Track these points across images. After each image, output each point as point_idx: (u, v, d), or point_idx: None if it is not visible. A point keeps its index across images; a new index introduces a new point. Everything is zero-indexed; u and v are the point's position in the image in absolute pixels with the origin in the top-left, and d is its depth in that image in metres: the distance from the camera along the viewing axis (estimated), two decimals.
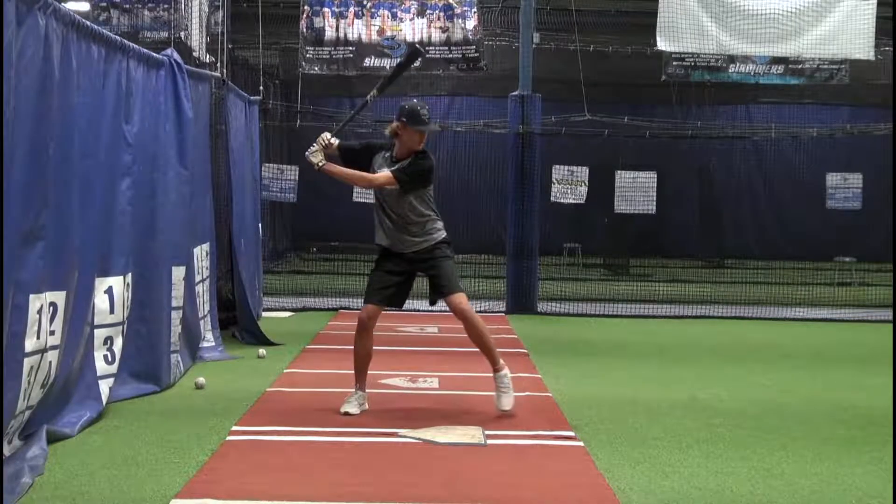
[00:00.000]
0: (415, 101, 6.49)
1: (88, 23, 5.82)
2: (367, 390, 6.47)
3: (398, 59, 13.10)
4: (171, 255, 7.40)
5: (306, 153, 6.30)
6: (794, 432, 6.18)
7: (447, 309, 6.50)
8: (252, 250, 10.74)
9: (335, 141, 6.38)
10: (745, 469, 5.28)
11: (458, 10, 13.38)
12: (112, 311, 6.31)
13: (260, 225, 11.93)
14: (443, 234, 6.41)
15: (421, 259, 6.35)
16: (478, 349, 6.45)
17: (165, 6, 11.60)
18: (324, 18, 13.36)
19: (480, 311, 6.37)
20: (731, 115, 21.53)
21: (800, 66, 14.82)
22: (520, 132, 12.83)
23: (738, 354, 9.74)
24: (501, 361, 6.38)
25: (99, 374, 6.17)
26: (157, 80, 7.22)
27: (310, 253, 20.69)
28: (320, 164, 6.28)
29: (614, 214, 14.58)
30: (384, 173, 6.26)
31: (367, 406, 6.40)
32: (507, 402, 6.28)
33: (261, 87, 13.44)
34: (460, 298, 6.30)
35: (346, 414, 6.24)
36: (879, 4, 12.88)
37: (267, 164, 13.69)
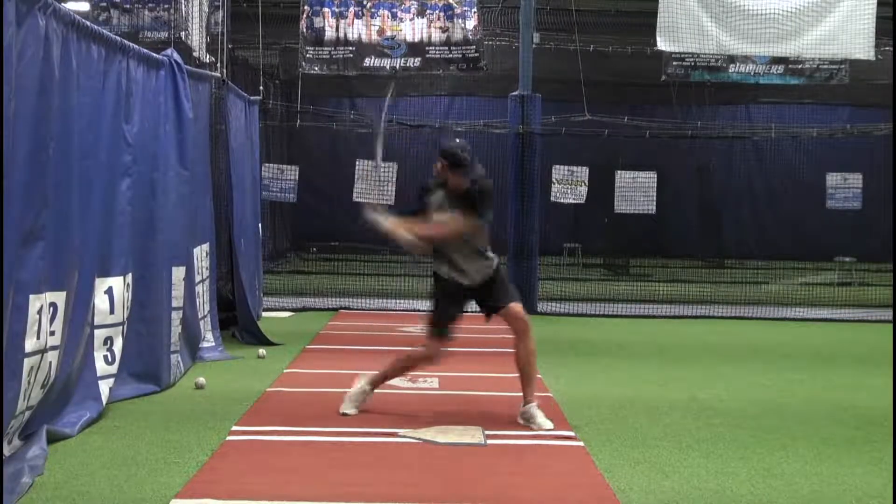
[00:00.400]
0: (457, 141, 6.33)
1: (88, 23, 5.83)
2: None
3: (398, 60, 13.22)
4: (171, 255, 7.40)
5: (379, 223, 6.11)
6: (794, 432, 6.18)
7: None
8: (252, 250, 10.74)
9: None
10: (745, 469, 5.28)
11: (458, 10, 13.37)
12: (112, 311, 6.31)
13: (260, 225, 11.93)
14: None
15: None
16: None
17: (165, 6, 11.59)
18: (324, 18, 13.35)
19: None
20: (731, 115, 21.52)
21: (800, 66, 14.81)
22: (520, 132, 12.83)
23: (738, 354, 9.73)
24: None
25: (99, 374, 6.17)
26: (157, 81, 7.22)
27: (310, 253, 20.70)
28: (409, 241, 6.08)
29: (614, 214, 14.58)
30: (463, 220, 6.07)
31: (367, 402, 6.39)
32: (546, 423, 6.14)
33: (261, 87, 13.45)
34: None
35: (344, 415, 6.24)
36: (879, 4, 12.87)
37: (267, 164, 13.69)
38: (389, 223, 6.14)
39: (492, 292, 6.22)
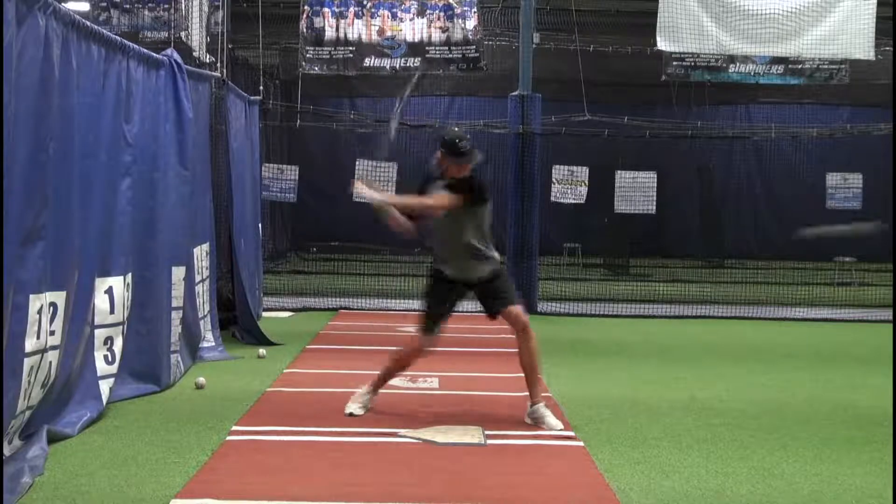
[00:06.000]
0: (455, 130, 6.33)
1: (88, 23, 5.83)
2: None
3: (399, 60, 13.24)
4: (171, 255, 7.40)
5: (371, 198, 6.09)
6: (794, 432, 6.18)
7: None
8: (252, 250, 10.74)
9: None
10: (745, 469, 5.28)
11: (458, 10, 13.37)
12: (112, 311, 6.31)
13: (260, 225, 11.93)
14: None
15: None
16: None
17: (165, 6, 11.59)
18: (324, 18, 13.35)
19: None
20: (731, 115, 21.53)
21: (800, 66, 14.81)
22: (520, 132, 12.84)
23: (738, 354, 9.73)
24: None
25: (99, 374, 6.17)
26: (157, 80, 7.22)
27: (310, 253, 20.70)
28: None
29: (614, 214, 14.58)
30: (442, 195, 6.07)
31: (372, 403, 6.39)
32: (556, 423, 6.12)
33: (261, 87, 13.44)
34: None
35: (351, 415, 6.22)
36: (879, 4, 12.87)
37: (267, 164, 13.69)
38: (379, 195, 6.08)
39: (489, 293, 6.22)
